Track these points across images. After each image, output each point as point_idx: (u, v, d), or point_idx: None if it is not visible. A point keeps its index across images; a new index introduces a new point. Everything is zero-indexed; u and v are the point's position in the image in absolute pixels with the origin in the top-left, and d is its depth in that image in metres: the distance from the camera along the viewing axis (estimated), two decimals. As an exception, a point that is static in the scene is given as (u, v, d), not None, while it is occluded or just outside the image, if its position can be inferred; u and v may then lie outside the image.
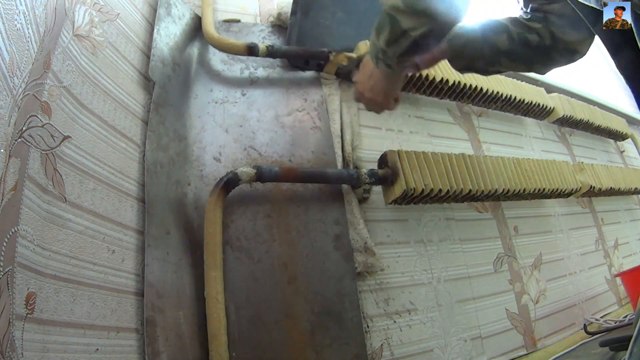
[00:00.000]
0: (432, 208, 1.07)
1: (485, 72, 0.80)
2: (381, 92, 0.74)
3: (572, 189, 1.27)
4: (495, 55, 0.76)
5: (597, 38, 0.58)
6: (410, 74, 0.98)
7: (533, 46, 0.74)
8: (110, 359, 0.52)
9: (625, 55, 0.51)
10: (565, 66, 0.80)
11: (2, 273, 0.39)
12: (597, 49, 0.78)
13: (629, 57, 0.50)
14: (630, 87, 0.53)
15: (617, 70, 0.54)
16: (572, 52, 0.75)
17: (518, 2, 0.78)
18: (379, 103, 0.77)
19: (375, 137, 1.08)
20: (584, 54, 0.76)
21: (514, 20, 0.76)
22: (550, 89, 1.66)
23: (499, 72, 0.81)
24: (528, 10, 0.75)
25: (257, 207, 0.81)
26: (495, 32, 0.75)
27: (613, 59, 0.54)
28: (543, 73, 0.82)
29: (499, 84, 1.30)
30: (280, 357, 0.71)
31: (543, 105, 1.45)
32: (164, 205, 0.70)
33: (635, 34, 0.46)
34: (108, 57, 0.67)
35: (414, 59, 0.72)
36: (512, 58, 0.76)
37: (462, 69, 0.80)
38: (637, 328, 0.46)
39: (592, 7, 0.47)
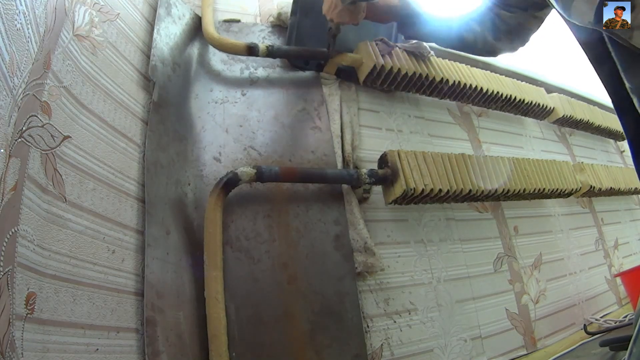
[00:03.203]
0: (432, 208, 1.07)
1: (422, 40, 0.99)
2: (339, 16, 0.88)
3: (572, 189, 1.27)
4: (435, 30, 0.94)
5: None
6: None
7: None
8: (110, 359, 0.52)
9: (607, 68, 0.51)
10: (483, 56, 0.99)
11: (2, 273, 0.39)
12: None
13: (609, 70, 0.50)
14: (611, 99, 0.54)
15: (600, 82, 0.55)
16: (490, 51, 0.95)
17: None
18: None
19: (375, 137, 1.08)
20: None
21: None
22: (550, 89, 1.66)
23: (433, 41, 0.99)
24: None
25: (257, 207, 0.81)
26: (442, 16, 0.93)
27: (596, 71, 0.55)
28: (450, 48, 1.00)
29: (499, 84, 1.30)
30: (280, 357, 0.71)
31: (543, 105, 1.45)
32: (164, 205, 0.70)
33: (612, 52, 0.47)
34: (108, 57, 0.67)
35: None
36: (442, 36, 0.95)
37: (408, 36, 0.98)
38: (637, 328, 0.46)
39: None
